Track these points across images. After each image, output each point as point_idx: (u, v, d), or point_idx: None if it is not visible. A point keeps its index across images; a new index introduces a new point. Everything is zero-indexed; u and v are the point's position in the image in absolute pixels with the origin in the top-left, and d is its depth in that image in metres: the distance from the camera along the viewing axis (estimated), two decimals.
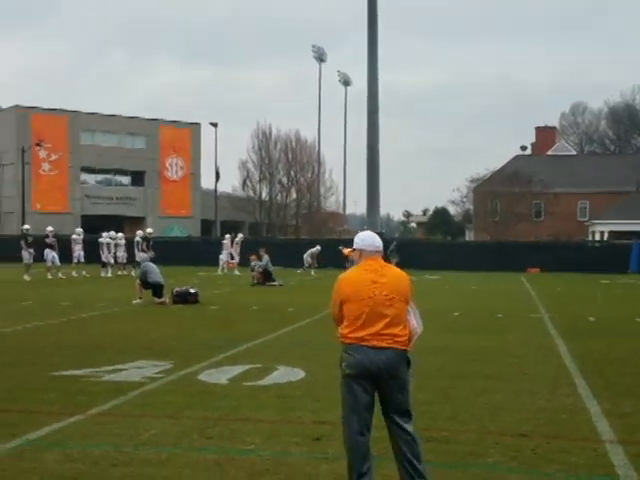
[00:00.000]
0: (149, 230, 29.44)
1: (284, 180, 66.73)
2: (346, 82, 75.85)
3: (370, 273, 4.52)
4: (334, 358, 9.26)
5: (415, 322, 4.61)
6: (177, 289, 17.58)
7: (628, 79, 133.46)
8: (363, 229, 53.17)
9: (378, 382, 4.44)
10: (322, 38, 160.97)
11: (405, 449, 4.46)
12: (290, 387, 7.77)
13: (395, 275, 4.59)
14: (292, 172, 66.47)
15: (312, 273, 31.61)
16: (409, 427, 4.49)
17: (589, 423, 6.43)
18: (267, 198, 66.32)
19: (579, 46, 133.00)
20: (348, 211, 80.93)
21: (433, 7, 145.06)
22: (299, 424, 6.27)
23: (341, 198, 74.98)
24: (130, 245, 29.34)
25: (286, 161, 66.40)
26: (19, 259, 26.60)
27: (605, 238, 52.11)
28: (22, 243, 26.31)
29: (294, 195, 67.31)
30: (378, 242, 4.68)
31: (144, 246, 26.89)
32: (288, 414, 6.61)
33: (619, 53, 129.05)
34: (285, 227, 66.51)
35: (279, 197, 67.01)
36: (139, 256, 26.47)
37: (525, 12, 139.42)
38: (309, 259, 32.80)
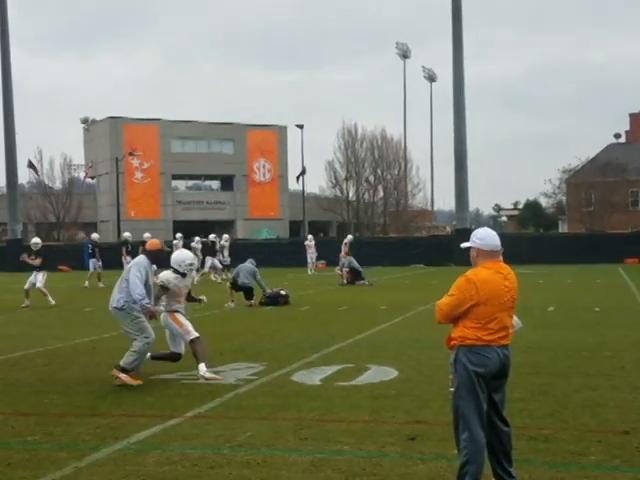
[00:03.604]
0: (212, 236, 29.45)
1: (371, 178, 66.66)
2: (431, 78, 75.23)
3: (501, 276, 4.55)
4: (427, 356, 9.32)
5: (514, 318, 4.73)
6: (268, 291, 17.82)
7: None
8: (452, 225, 52.04)
9: (496, 379, 4.53)
10: (407, 34, 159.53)
11: (506, 442, 4.61)
12: (383, 386, 7.77)
13: (514, 277, 4.66)
14: (379, 170, 66.33)
15: None
16: (508, 419, 4.69)
17: None
18: (354, 197, 66.42)
19: None
20: (436, 207, 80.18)
21: None
22: (393, 424, 6.27)
23: (429, 195, 74.45)
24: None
25: (372, 159, 66.33)
26: (118, 266, 27.50)
27: None
28: (123, 250, 27.15)
29: (381, 193, 67.15)
30: (498, 241, 4.63)
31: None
32: (382, 414, 6.62)
33: None
34: (373, 225, 66.45)
35: (366, 196, 67.00)
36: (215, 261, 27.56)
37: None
38: None
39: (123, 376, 8.13)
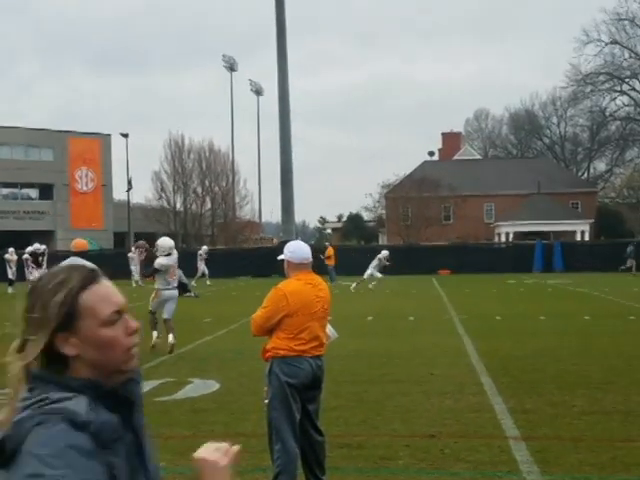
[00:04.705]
0: (37, 245, 27.93)
1: (198, 190, 66.15)
2: (258, 91, 75.88)
3: (312, 286, 4.65)
4: (249, 368, 9.35)
5: (329, 329, 4.90)
6: None
7: (527, 86, 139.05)
8: (279, 237, 52.40)
9: (309, 389, 4.61)
10: (234, 47, 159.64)
11: (319, 451, 4.72)
12: (204, 400, 7.71)
13: (325, 288, 4.79)
14: (206, 182, 65.95)
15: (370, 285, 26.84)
16: (322, 429, 4.79)
17: (494, 421, 6.65)
18: (182, 208, 65.55)
19: (483, 54, 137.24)
20: (264, 219, 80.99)
21: (340, 11, 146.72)
22: (211, 438, 6.17)
23: (256, 206, 75.02)
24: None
25: (200, 171, 65.84)
26: None
27: (510, 239, 54.10)
28: None
29: (209, 205, 66.79)
30: (307, 253, 4.74)
31: (33, 262, 25.72)
32: (201, 428, 6.55)
33: (519, 61, 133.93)
34: (201, 237, 65.81)
35: (194, 207, 66.35)
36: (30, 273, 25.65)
37: (433, 20, 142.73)
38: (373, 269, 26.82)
39: None
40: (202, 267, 30.31)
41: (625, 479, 5.03)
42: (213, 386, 8.42)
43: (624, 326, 13.82)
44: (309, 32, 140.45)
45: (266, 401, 4.61)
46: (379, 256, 27.11)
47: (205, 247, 32.47)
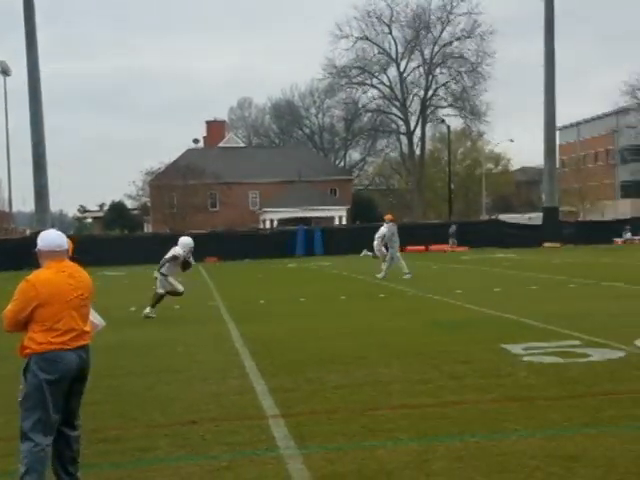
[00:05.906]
0: None
1: None
2: (5, 71, 70.16)
3: (65, 274, 4.50)
4: (5, 370, 8.58)
5: (94, 317, 4.84)
6: None
7: (288, 77, 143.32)
8: (32, 227, 49.02)
9: (73, 383, 4.44)
10: None
11: (75, 447, 4.55)
12: None
13: (83, 275, 4.64)
14: None
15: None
16: (79, 424, 4.66)
17: (256, 401, 6.77)
18: None
19: (247, 44, 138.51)
20: (15, 209, 75.20)
21: None
22: None
23: (6, 195, 69.43)
24: None
25: None
26: None
27: (274, 225, 55.66)
28: None
29: None
30: (59, 241, 4.60)
31: None
32: None
33: (282, 52, 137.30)
34: None
35: None
36: None
37: (198, 10, 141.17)
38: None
39: None
40: None
41: (372, 444, 5.35)
42: None
43: (375, 304, 14.80)
44: (67, 13, 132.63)
45: (20, 399, 4.33)
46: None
47: None
